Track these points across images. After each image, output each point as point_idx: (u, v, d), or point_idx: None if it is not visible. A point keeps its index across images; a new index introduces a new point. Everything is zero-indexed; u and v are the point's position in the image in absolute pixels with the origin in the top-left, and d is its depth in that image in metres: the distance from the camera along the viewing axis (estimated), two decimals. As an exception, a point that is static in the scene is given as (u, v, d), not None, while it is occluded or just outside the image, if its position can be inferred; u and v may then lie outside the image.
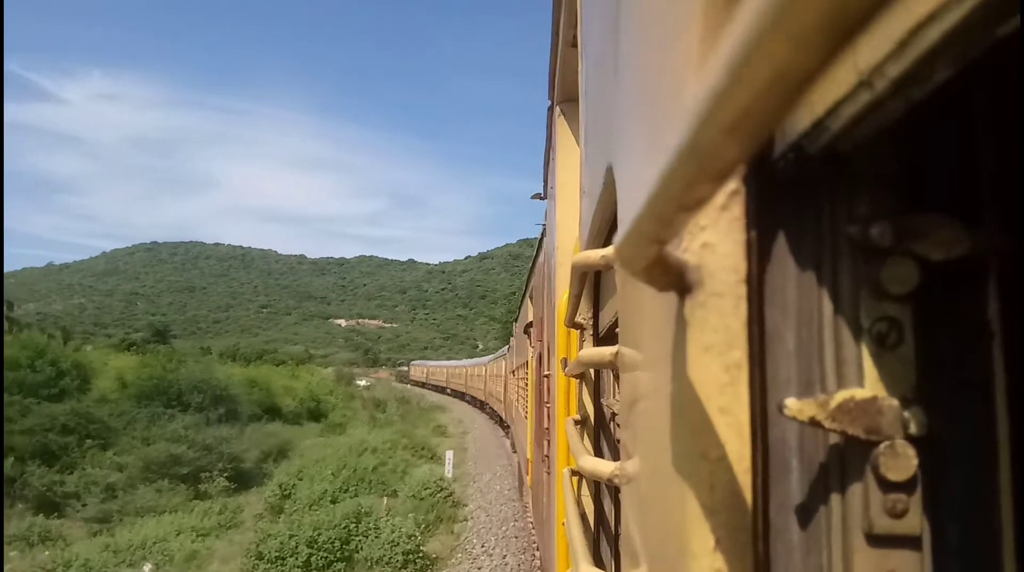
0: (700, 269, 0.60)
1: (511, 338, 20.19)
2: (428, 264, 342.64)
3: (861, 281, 0.61)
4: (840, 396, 0.59)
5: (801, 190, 0.62)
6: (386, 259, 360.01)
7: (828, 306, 0.61)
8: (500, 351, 28.53)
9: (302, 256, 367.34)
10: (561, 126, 3.72)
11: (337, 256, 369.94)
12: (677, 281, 0.60)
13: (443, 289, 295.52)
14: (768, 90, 0.32)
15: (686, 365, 0.60)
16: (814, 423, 0.58)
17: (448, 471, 19.84)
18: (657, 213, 0.48)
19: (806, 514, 0.60)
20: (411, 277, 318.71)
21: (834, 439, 0.60)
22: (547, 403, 4.95)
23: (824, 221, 0.62)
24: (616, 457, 1.65)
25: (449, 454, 20.75)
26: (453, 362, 67.20)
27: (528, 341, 9.29)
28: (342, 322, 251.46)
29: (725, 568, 0.58)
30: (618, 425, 1.80)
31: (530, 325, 8.57)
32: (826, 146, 0.59)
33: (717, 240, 0.60)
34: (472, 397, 45.29)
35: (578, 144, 3.00)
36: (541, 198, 6.71)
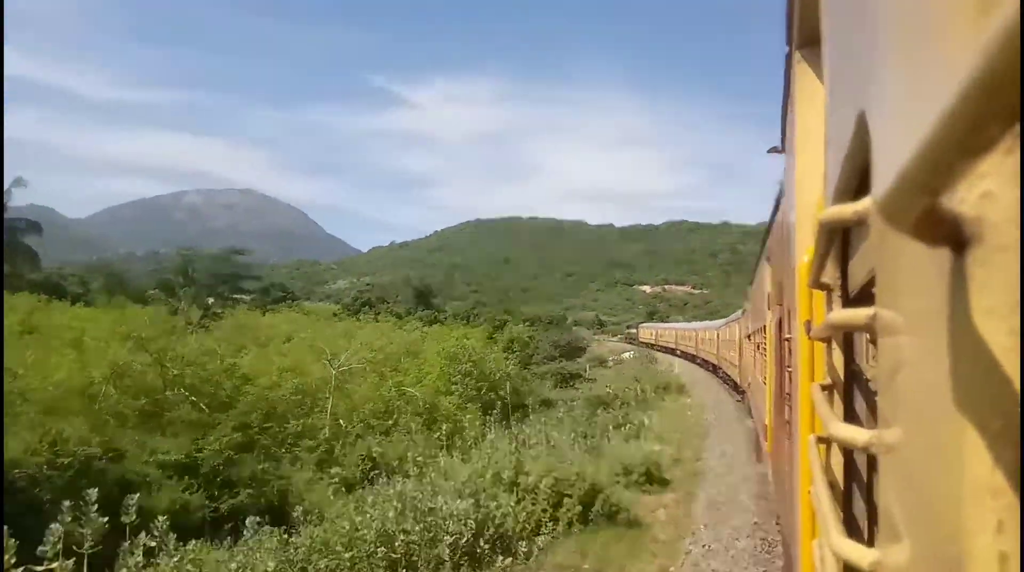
0: (980, 221, 0.54)
1: (745, 302, 19.39)
2: (745, 225, 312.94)
3: None
4: None
5: None
6: (696, 223, 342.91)
7: None
8: (733, 315, 27.60)
9: (610, 225, 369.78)
10: (801, 73, 3.46)
11: (645, 223, 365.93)
12: (951, 236, 0.55)
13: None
14: None
15: (964, 328, 0.55)
16: None
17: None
18: (933, 159, 0.43)
19: None
20: (724, 240, 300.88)
21: None
22: (788, 368, 4.71)
23: None
24: (870, 425, 1.55)
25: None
26: (683, 325, 66.15)
27: (765, 305, 8.86)
28: (647, 288, 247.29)
29: (1012, 552, 0.53)
30: (872, 391, 1.68)
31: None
32: None
33: (1000, 189, 0.53)
34: (703, 360, 44.35)
35: (821, 92, 2.78)
36: (779, 152, 6.31)
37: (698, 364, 47.06)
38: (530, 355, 40.97)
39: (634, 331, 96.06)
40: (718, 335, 34.03)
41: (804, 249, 3.16)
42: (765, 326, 8.99)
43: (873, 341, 1.71)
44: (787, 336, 4.75)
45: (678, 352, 58.12)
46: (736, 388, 26.22)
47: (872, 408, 1.71)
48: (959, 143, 0.42)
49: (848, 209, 1.09)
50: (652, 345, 71.80)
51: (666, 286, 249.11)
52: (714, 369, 38.76)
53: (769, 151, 6.96)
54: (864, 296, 1.56)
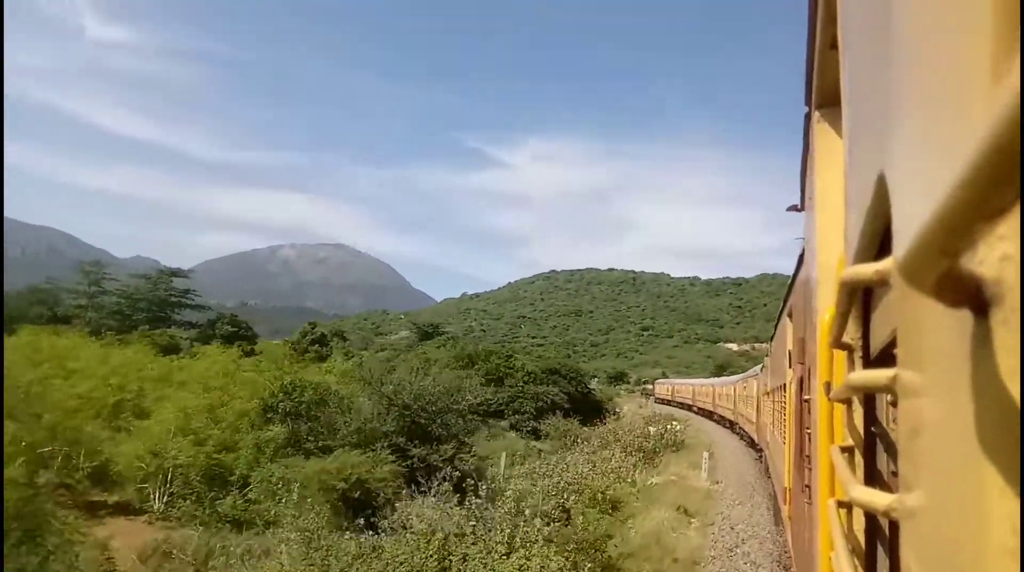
0: (1000, 283, 0.54)
1: (765, 358, 19.19)
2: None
3: None
4: None
5: None
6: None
7: None
8: (751, 370, 27.27)
9: (695, 277, 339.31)
10: (820, 133, 3.49)
11: (735, 276, 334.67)
12: (972, 297, 0.55)
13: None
14: None
15: (987, 390, 0.55)
16: None
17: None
18: (951, 221, 0.44)
19: None
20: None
21: None
22: (808, 429, 4.63)
23: None
24: (890, 489, 1.51)
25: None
26: (699, 381, 65.19)
27: (786, 362, 8.76)
28: (733, 346, 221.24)
29: None
30: (892, 455, 1.64)
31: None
32: None
33: (1019, 251, 0.54)
34: (720, 416, 43.68)
35: (841, 152, 2.81)
36: (798, 210, 6.32)
37: (715, 420, 46.34)
38: (331, 429, 21.07)
39: (651, 387, 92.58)
40: (735, 390, 33.63)
41: (825, 308, 3.14)
42: (785, 385, 8.86)
43: (894, 403, 1.69)
44: (807, 396, 4.68)
45: (695, 408, 57.22)
46: (753, 445, 25.74)
47: (887, 473, 1.68)
48: (977, 205, 0.42)
49: (869, 269, 1.09)
50: (668, 401, 70.51)
51: (755, 345, 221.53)
52: (731, 425, 38.19)
53: (788, 209, 6.97)
54: (884, 357, 1.54)
